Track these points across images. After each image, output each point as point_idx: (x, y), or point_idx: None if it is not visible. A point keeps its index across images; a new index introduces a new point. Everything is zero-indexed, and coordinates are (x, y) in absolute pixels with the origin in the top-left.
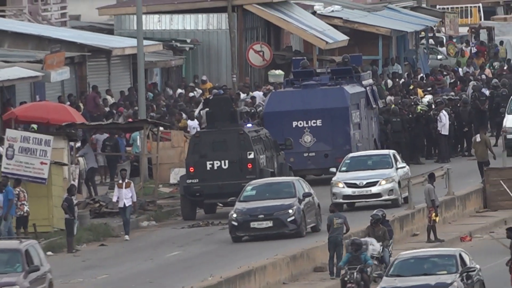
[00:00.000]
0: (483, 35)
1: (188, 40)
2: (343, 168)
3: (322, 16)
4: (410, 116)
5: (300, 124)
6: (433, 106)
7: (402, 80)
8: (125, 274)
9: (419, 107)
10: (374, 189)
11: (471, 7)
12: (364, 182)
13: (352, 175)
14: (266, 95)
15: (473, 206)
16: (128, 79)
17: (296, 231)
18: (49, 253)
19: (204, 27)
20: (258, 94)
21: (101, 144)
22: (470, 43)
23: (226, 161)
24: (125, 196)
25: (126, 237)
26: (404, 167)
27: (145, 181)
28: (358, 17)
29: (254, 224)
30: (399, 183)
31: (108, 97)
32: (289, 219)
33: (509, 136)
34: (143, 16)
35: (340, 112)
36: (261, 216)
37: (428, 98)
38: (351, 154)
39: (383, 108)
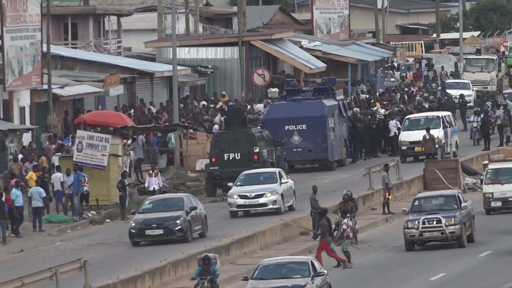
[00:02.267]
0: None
1: (210, 66)
2: (238, 183)
3: (307, 49)
4: (371, 122)
5: (291, 127)
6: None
7: (366, 96)
8: None
9: (378, 116)
10: (261, 200)
11: (415, 43)
12: (253, 194)
13: (245, 189)
14: (266, 106)
15: (416, 188)
16: (165, 94)
17: (182, 238)
18: (108, 220)
19: (221, 56)
20: (260, 106)
21: (141, 142)
22: (414, 69)
23: (239, 154)
24: (154, 182)
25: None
26: (287, 182)
27: (177, 168)
28: (333, 50)
29: (148, 232)
30: (282, 195)
31: (151, 107)
32: (176, 228)
33: (403, 148)
34: (177, 49)
35: (320, 119)
36: (154, 225)
37: (383, 109)
38: (245, 172)
39: (351, 116)
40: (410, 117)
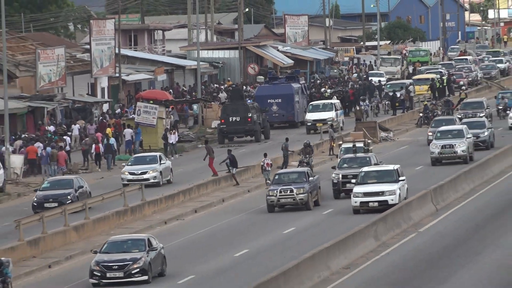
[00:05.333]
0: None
1: (220, 62)
2: (129, 164)
3: (281, 51)
4: (321, 98)
5: (271, 101)
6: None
7: (318, 81)
8: (192, 168)
9: (325, 94)
10: (145, 176)
11: (350, 48)
12: (139, 171)
13: (134, 167)
14: (255, 88)
15: (350, 138)
16: (192, 79)
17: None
18: None
19: (227, 56)
20: (249, 88)
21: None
22: (348, 65)
23: (238, 117)
24: (172, 138)
25: (176, 156)
26: (165, 162)
27: (200, 126)
28: (298, 52)
29: (46, 205)
30: (161, 172)
31: (184, 88)
32: (68, 202)
33: (308, 124)
34: (200, 51)
35: (289, 96)
36: (51, 200)
37: (329, 89)
38: (134, 155)
39: (309, 93)
40: (313, 103)
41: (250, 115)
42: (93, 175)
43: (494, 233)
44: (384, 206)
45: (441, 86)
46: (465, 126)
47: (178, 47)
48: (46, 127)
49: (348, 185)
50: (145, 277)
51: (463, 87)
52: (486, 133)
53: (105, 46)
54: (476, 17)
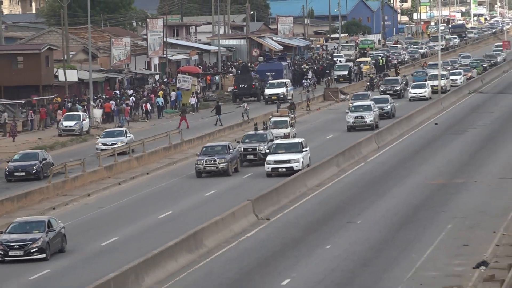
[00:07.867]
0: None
1: (234, 47)
2: (102, 136)
3: (275, 40)
4: (301, 72)
5: (268, 74)
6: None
7: (299, 60)
8: (207, 120)
9: (304, 70)
10: (114, 146)
11: (320, 38)
12: (110, 143)
13: (105, 140)
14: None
15: (320, 100)
16: (215, 59)
17: (37, 176)
18: (191, 112)
19: (239, 43)
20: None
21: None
22: (321, 50)
23: (246, 84)
24: (193, 100)
25: (193, 113)
26: (130, 136)
27: (220, 90)
28: (286, 41)
29: (16, 173)
30: (127, 143)
31: (209, 64)
32: (33, 171)
33: (266, 97)
34: (220, 40)
35: (280, 70)
36: (20, 169)
37: (307, 66)
38: (106, 130)
39: (293, 69)
40: (269, 82)
41: (254, 83)
42: (148, 123)
43: (416, 163)
44: (290, 171)
45: (381, 64)
46: (372, 102)
47: (206, 37)
48: (115, 91)
49: (248, 156)
50: (43, 255)
51: (397, 65)
52: (389, 107)
53: (157, 36)
54: (405, 18)
